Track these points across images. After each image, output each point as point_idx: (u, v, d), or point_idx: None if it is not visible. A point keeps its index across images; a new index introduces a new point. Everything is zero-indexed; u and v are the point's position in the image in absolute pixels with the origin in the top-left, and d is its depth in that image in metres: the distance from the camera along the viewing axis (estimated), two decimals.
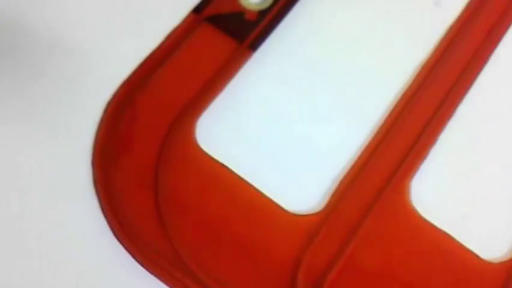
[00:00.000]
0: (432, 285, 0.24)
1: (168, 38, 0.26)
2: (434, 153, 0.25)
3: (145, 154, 0.24)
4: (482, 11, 0.28)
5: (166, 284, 0.23)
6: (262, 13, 0.27)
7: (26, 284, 0.23)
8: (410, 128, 0.25)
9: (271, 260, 0.23)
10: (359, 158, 0.25)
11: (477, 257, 0.24)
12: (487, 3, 0.28)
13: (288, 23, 0.27)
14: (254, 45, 0.26)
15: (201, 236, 0.23)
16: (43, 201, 0.24)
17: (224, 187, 0.24)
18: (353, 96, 0.26)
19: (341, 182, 0.25)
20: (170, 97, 0.25)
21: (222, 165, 0.24)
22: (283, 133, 0.25)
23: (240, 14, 0.27)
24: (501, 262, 0.24)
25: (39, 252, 0.23)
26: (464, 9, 0.28)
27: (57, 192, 0.24)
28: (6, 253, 0.23)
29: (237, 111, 0.26)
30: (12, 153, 0.24)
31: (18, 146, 0.24)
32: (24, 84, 0.25)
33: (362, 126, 0.26)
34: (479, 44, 0.27)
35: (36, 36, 0.26)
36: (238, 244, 0.23)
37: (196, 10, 0.27)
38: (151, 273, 0.23)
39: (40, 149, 0.24)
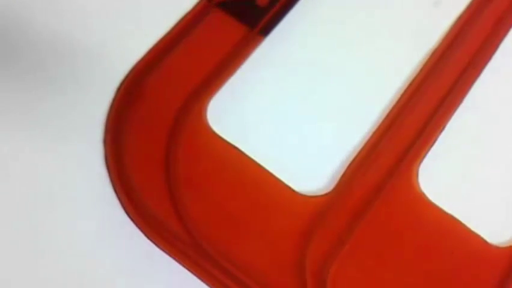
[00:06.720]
0: (439, 269, 0.24)
1: (180, 22, 0.26)
2: (443, 138, 0.25)
3: (156, 136, 0.25)
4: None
5: (180, 263, 0.23)
6: None
7: (43, 261, 0.23)
8: (419, 112, 0.26)
9: (280, 240, 0.23)
10: (368, 141, 0.25)
11: (484, 241, 0.24)
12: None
13: (300, 8, 0.27)
14: (265, 31, 0.27)
15: (211, 215, 0.24)
16: (55, 181, 0.24)
17: (234, 167, 0.24)
18: (364, 79, 0.26)
19: (350, 165, 0.25)
20: (182, 79, 0.26)
21: (233, 146, 0.24)
22: (293, 115, 0.26)
23: (251, 0, 0.27)
24: (508, 246, 0.24)
25: (53, 235, 0.23)
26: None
27: (69, 175, 0.24)
28: (24, 240, 0.23)
29: (248, 93, 0.26)
30: (24, 138, 0.24)
31: (31, 128, 0.25)
32: (38, 64, 0.26)
33: (372, 109, 0.26)
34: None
35: (52, 18, 0.26)
36: (247, 223, 0.24)
37: None
38: (164, 251, 0.23)
39: (52, 129, 0.25)
